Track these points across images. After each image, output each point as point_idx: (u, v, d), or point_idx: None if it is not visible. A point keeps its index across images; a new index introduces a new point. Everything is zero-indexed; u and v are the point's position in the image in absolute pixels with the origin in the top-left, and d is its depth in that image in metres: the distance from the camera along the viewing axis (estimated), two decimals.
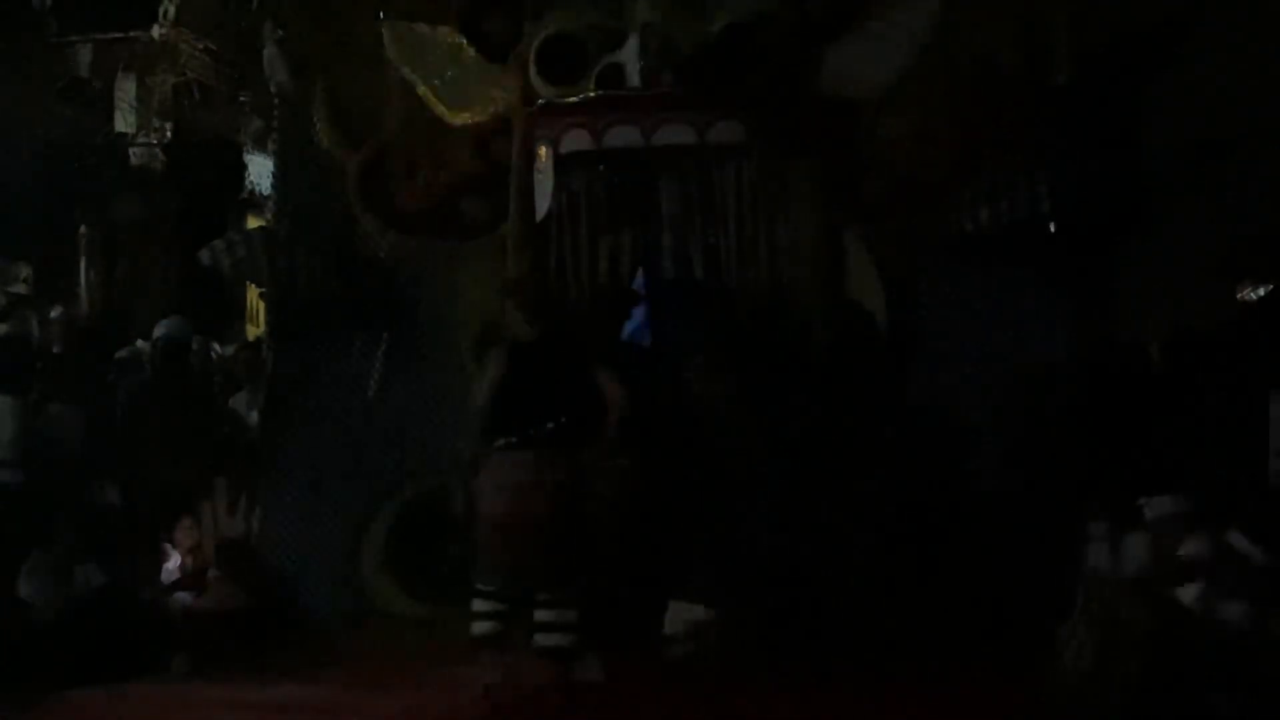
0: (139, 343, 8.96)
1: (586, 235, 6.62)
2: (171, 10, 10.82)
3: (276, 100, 7.49)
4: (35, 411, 7.50)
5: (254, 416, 7.92)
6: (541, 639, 5.68)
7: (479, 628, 5.75)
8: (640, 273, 6.87)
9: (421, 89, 6.91)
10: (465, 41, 6.92)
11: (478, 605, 5.76)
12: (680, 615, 6.09)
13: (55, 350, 9.09)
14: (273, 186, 7.70)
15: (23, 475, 7.24)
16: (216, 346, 9.88)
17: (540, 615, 5.70)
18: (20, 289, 12.33)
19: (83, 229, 12.73)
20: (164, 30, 10.96)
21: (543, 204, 6.60)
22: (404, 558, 6.92)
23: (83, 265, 12.72)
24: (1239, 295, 6.64)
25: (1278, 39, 6.40)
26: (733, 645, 6.07)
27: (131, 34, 11.93)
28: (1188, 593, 5.10)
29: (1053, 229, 6.39)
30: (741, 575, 6.26)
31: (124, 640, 6.18)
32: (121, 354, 9.22)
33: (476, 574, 5.80)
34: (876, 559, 6.39)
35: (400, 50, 6.91)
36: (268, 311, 7.75)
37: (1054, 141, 6.45)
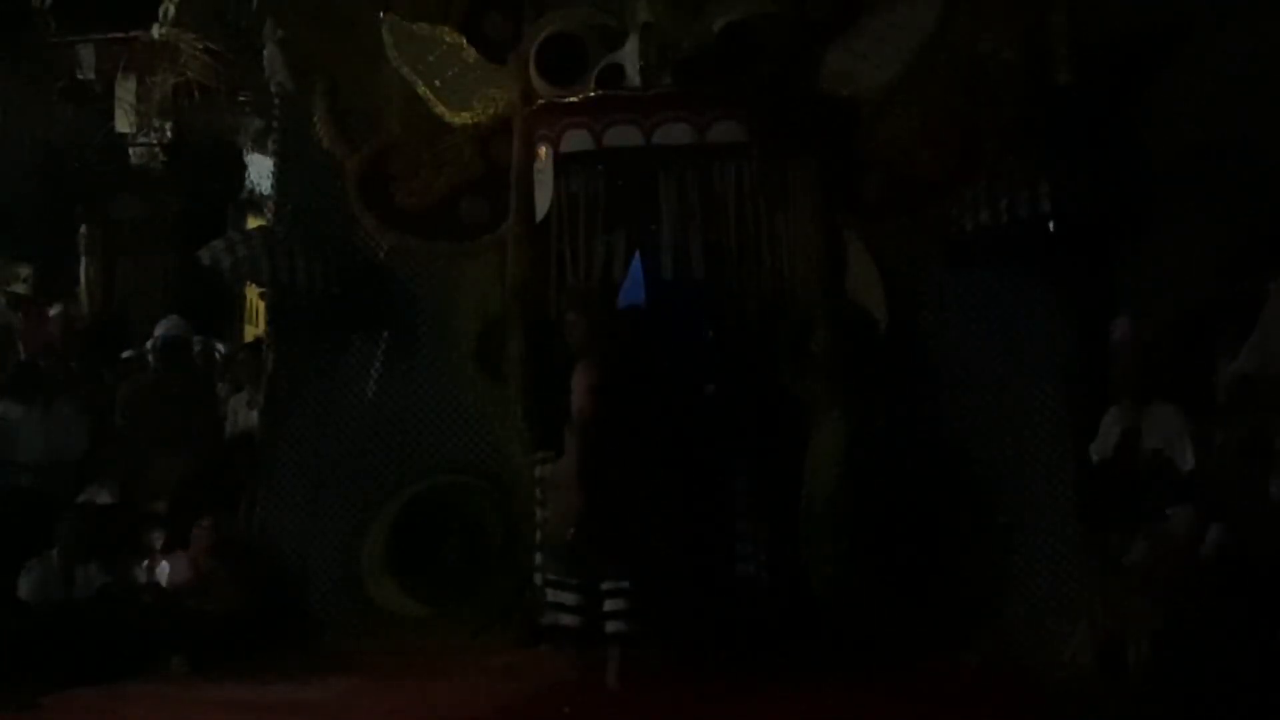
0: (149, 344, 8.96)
1: (586, 235, 6.61)
2: (171, 10, 10.81)
3: (276, 100, 7.47)
4: (44, 413, 7.54)
5: (254, 416, 7.92)
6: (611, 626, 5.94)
7: (555, 618, 6.07)
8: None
9: (421, 89, 6.90)
10: (465, 41, 6.91)
11: (554, 597, 6.06)
12: None
13: (57, 350, 9.12)
14: (273, 186, 7.68)
15: (38, 478, 7.27)
16: (220, 347, 9.89)
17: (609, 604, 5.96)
18: (20, 289, 12.34)
19: (83, 229, 12.74)
20: (164, 30, 10.95)
21: (543, 204, 6.60)
22: (404, 558, 6.92)
23: (83, 265, 12.73)
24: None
25: (1278, 39, 6.40)
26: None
27: (131, 34, 11.94)
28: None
29: (1053, 229, 6.38)
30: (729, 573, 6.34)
31: (124, 640, 6.18)
32: (128, 354, 9.24)
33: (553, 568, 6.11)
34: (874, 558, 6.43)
35: (400, 50, 6.90)
36: (268, 311, 7.74)
37: (1054, 141, 6.44)
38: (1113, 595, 5.13)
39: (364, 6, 7.04)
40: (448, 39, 6.90)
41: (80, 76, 12.68)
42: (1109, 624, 5.01)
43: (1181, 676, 4.65)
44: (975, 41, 6.52)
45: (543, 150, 6.57)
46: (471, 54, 6.90)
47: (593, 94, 6.42)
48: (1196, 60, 6.45)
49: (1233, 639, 4.73)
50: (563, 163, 6.50)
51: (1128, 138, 6.53)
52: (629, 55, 6.31)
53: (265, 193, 8.86)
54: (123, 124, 12.59)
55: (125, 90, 12.42)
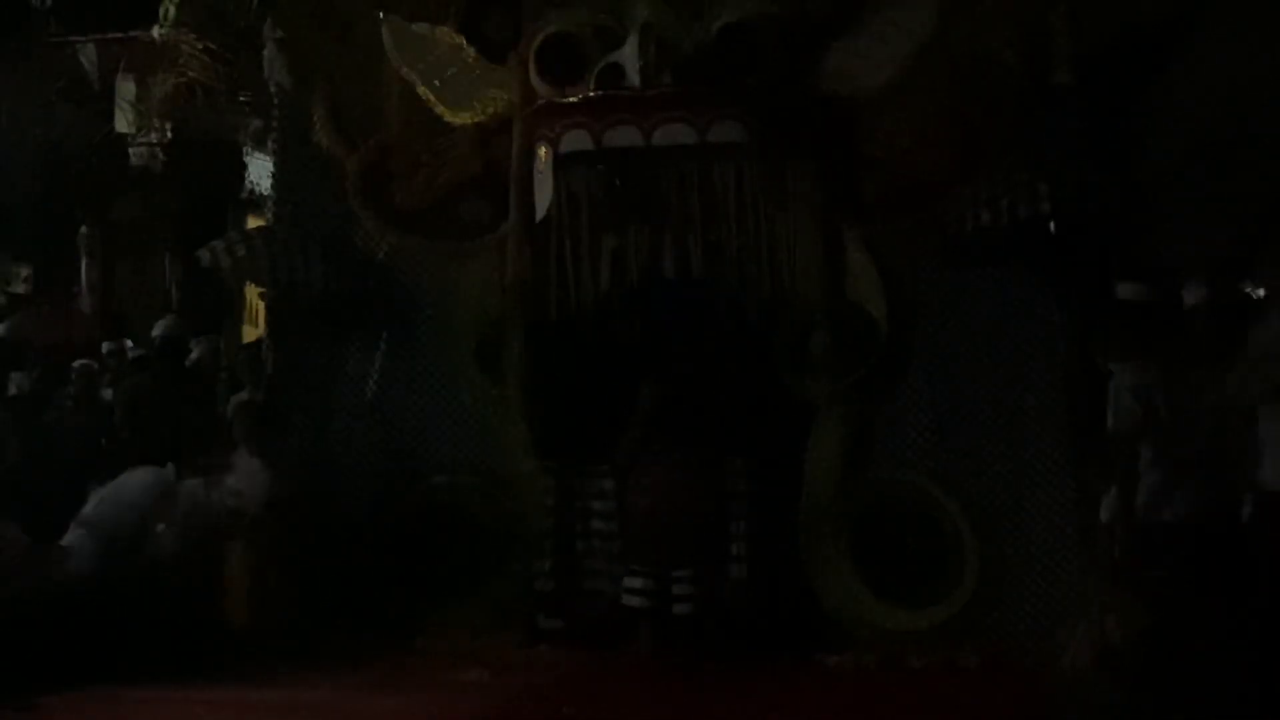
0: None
1: (586, 235, 6.62)
2: (171, 10, 10.79)
3: (276, 100, 7.49)
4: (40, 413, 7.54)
5: None
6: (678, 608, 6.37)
7: (631, 601, 6.47)
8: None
9: (421, 89, 6.91)
10: (465, 41, 6.92)
11: (630, 583, 6.46)
12: None
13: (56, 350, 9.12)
14: (273, 186, 7.69)
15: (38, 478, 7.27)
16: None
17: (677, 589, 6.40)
18: (20, 289, 12.34)
19: (83, 229, 12.73)
20: (164, 30, 10.93)
21: (543, 204, 6.60)
22: (405, 558, 6.92)
23: (83, 265, 12.72)
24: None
25: (1277, 39, 6.40)
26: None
27: (131, 34, 11.92)
28: None
29: (1053, 229, 6.38)
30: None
31: (124, 640, 6.17)
32: (137, 354, 9.21)
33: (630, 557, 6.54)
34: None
35: (400, 50, 6.91)
36: (268, 311, 7.74)
37: (1054, 141, 6.44)
38: (1105, 592, 5.12)
39: (364, 6, 7.05)
40: (447, 39, 6.91)
41: (80, 76, 12.66)
42: (1104, 622, 5.00)
43: (1171, 674, 4.64)
44: (975, 41, 6.52)
45: (543, 150, 6.57)
46: (471, 54, 6.91)
47: (592, 94, 6.43)
48: (1196, 60, 6.44)
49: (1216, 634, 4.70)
50: (563, 163, 6.50)
51: (1128, 138, 6.52)
52: (629, 55, 6.31)
53: (265, 193, 8.85)
54: (123, 124, 12.55)
55: (125, 90, 12.39)
